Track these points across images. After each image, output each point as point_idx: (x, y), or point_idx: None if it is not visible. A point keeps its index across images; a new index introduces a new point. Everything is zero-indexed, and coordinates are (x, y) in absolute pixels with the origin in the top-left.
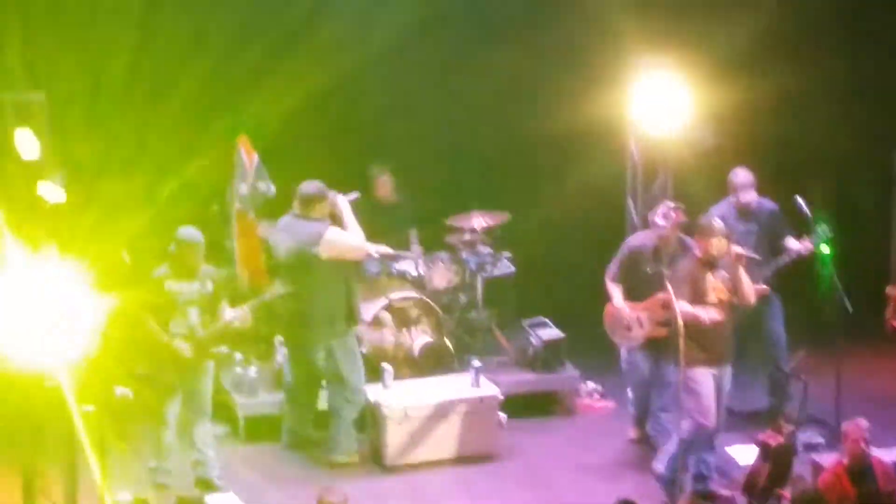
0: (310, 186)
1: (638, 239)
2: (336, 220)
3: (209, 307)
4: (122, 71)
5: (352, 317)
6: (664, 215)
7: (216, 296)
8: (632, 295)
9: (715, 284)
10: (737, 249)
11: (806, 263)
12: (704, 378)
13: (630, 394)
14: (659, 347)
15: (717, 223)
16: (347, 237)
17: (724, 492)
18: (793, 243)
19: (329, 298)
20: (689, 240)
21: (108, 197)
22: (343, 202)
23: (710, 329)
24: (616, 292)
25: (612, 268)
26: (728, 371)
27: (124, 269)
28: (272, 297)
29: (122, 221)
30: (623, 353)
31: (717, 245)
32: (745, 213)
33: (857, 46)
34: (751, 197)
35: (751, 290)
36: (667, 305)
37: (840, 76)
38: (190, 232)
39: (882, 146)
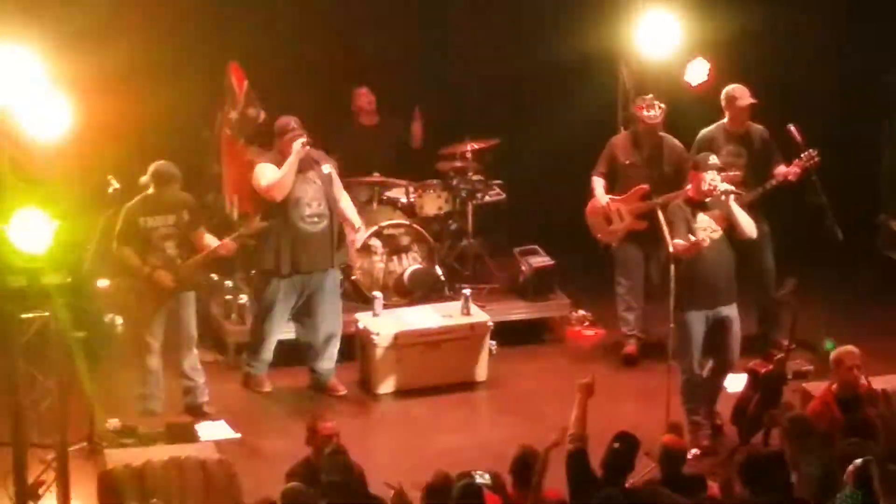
0: (278, 121)
1: (619, 136)
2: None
3: (188, 238)
4: None
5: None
6: (649, 106)
7: (196, 225)
8: (613, 190)
9: (707, 224)
10: (724, 187)
11: (796, 191)
12: (695, 322)
13: (619, 301)
14: (643, 242)
15: (712, 158)
16: (259, 174)
17: (712, 421)
18: (780, 168)
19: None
20: (672, 139)
21: (95, 121)
22: (296, 145)
23: (701, 266)
24: (598, 186)
25: (597, 166)
26: (732, 311)
27: (112, 193)
28: (257, 228)
29: (109, 146)
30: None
31: (710, 180)
32: (735, 137)
33: None
34: (746, 105)
35: (749, 223)
36: (645, 196)
37: (830, 4)
38: (165, 167)
39: (871, 72)
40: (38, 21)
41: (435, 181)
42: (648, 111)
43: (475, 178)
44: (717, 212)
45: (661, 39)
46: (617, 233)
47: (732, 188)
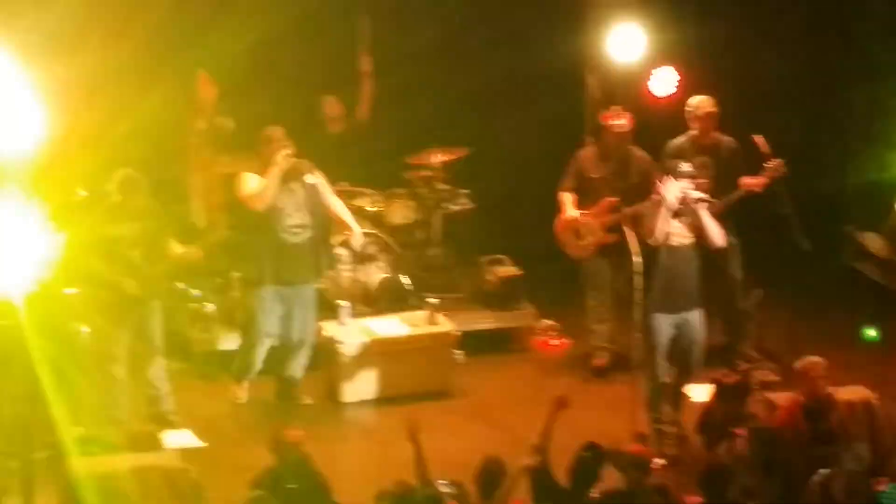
0: (264, 131)
1: (586, 148)
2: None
3: (155, 246)
4: (79, 6)
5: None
6: (616, 115)
7: (162, 233)
8: (582, 203)
9: (678, 230)
10: (695, 195)
11: (763, 202)
12: (660, 327)
13: (589, 314)
14: (612, 254)
15: (683, 166)
16: (241, 184)
17: (678, 430)
18: (746, 179)
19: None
20: (638, 150)
21: (63, 130)
22: (279, 156)
23: (669, 272)
24: (567, 202)
25: (563, 179)
26: (696, 316)
27: (79, 204)
28: (223, 237)
29: (78, 157)
30: (582, 272)
31: (682, 188)
32: (703, 148)
33: None
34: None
35: (717, 233)
36: (614, 209)
37: (797, 13)
38: (130, 175)
39: (839, 83)
40: (6, 28)
41: (402, 190)
42: (616, 119)
43: (442, 187)
44: (687, 219)
45: (629, 49)
46: (588, 247)
47: (704, 196)
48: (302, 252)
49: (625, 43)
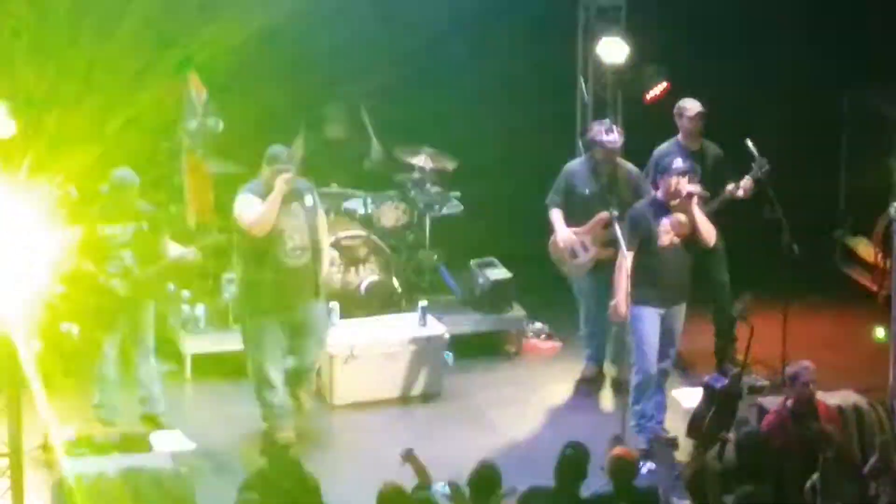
0: (269, 149)
1: (575, 163)
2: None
3: (147, 247)
4: (69, 3)
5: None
6: (609, 131)
7: (155, 234)
8: (573, 220)
9: (667, 227)
10: (690, 188)
11: (752, 206)
12: (649, 317)
13: (583, 327)
14: (605, 267)
15: (677, 163)
16: (241, 209)
17: (669, 434)
18: (730, 186)
19: None
20: (627, 164)
21: (55, 132)
22: (280, 181)
23: (659, 267)
24: (558, 220)
25: (552, 195)
26: (680, 311)
27: (71, 204)
28: (217, 238)
29: (69, 156)
30: (575, 286)
31: (676, 184)
32: (689, 153)
33: None
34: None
35: (709, 230)
36: (608, 224)
37: (788, 17)
38: (124, 174)
39: (830, 88)
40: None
41: (393, 192)
42: (608, 135)
43: (433, 189)
44: (680, 217)
45: (619, 54)
46: (585, 265)
47: (698, 189)
48: (304, 273)
49: (615, 48)
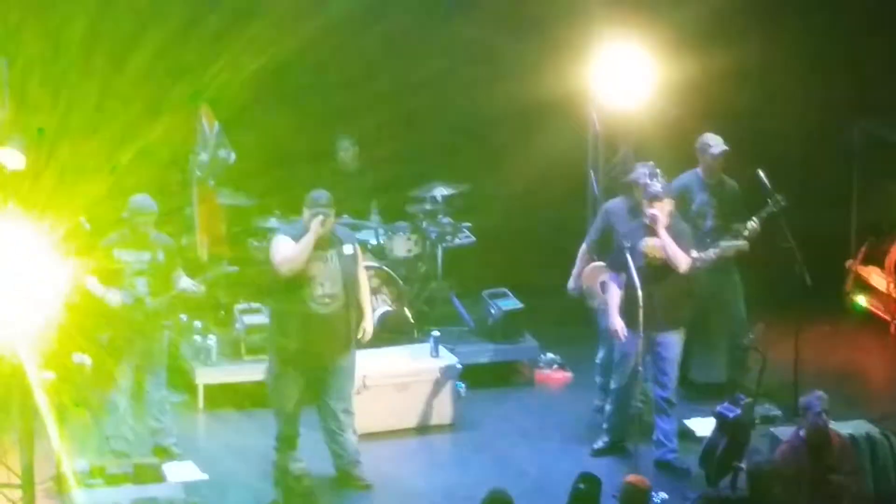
0: (310, 193)
1: (615, 203)
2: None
3: (161, 277)
4: (82, 36)
5: None
6: (653, 175)
7: (169, 265)
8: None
9: (651, 250)
10: (653, 211)
11: (766, 236)
12: (629, 338)
13: (600, 355)
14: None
15: (653, 187)
16: (274, 248)
17: (681, 463)
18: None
19: None
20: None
21: (67, 163)
22: (315, 223)
23: (643, 289)
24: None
25: (590, 236)
26: (672, 339)
27: (83, 235)
28: (227, 269)
29: (81, 188)
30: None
31: (666, 208)
32: (709, 187)
33: (818, 19)
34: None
35: (675, 254)
36: None
37: (801, 49)
38: (143, 200)
39: (843, 119)
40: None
41: (404, 223)
42: (652, 182)
43: (445, 220)
44: (655, 239)
45: (631, 82)
46: None
47: (658, 213)
48: (333, 323)
49: (627, 76)
